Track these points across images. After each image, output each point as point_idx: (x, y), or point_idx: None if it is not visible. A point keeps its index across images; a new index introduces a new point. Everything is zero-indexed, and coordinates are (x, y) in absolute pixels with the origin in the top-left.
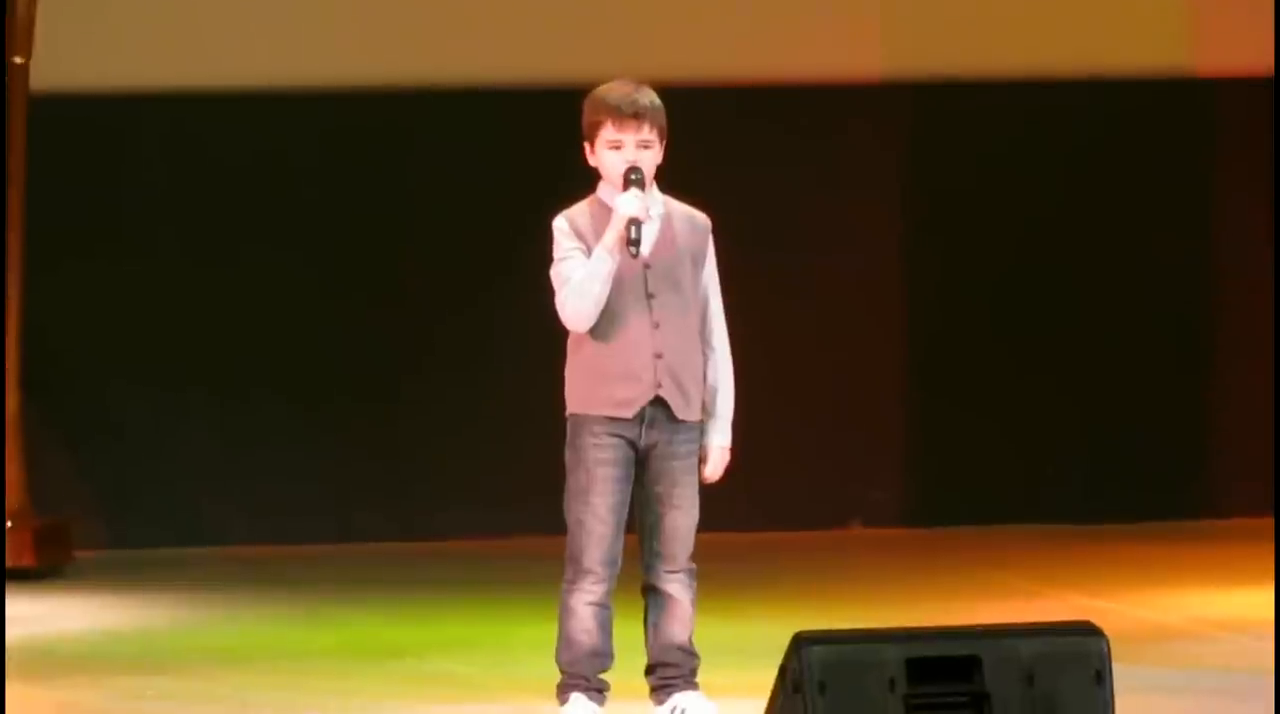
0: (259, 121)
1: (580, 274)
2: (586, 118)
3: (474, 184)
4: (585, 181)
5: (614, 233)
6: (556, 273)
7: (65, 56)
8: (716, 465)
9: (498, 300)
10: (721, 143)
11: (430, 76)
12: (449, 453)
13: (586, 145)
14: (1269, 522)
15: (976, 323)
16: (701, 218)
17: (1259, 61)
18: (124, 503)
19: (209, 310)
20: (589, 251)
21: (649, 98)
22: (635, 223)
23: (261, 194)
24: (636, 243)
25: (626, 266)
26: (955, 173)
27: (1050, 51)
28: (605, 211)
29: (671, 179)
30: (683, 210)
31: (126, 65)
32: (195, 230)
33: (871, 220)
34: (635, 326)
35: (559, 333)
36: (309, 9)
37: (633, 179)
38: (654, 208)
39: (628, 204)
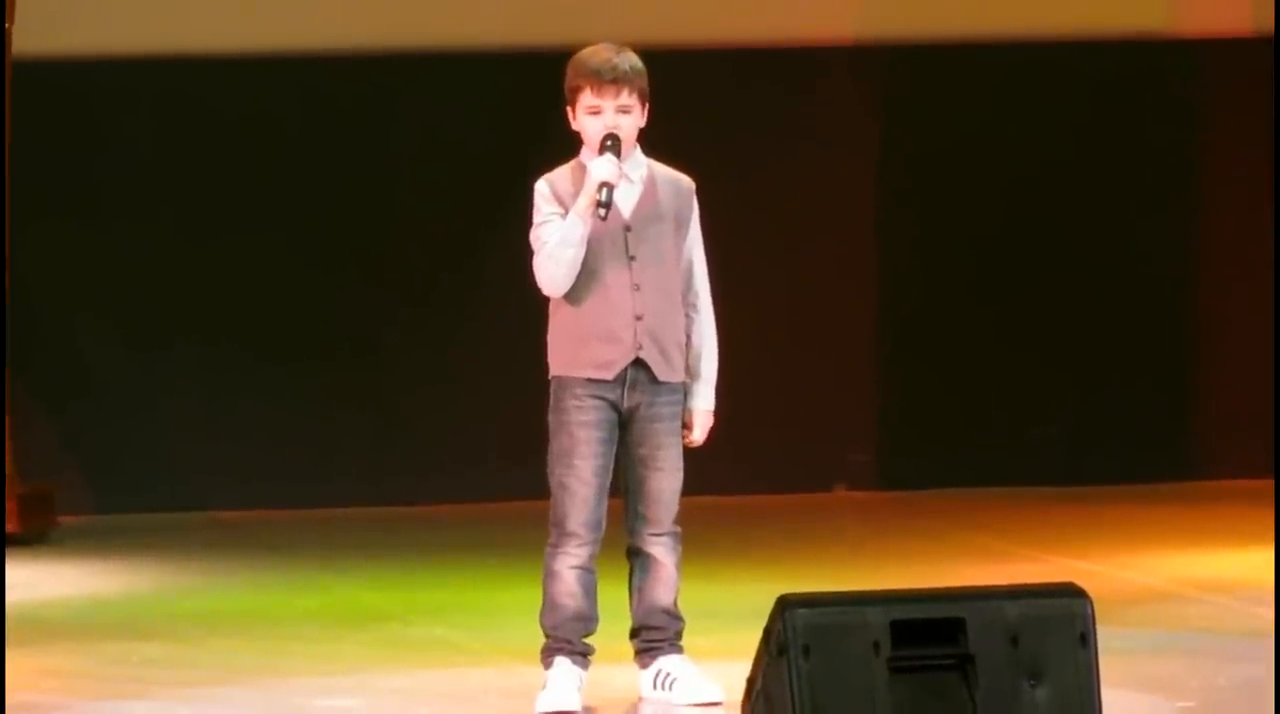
0: (244, 85)
1: (554, 239)
2: (568, 82)
3: (460, 147)
4: (570, 145)
5: (586, 197)
6: (535, 236)
7: (49, 21)
8: (701, 429)
9: (484, 264)
10: (703, 105)
11: (416, 40)
12: (433, 418)
13: (569, 109)
14: (1253, 483)
15: (958, 285)
16: (685, 181)
17: (1240, 22)
18: (108, 468)
19: (193, 275)
20: (567, 215)
21: (629, 62)
22: (607, 186)
23: (246, 158)
24: (606, 206)
25: (609, 228)
26: (934, 135)
27: (1030, 12)
28: (586, 175)
29: (653, 141)
30: (666, 173)
31: (111, 30)
32: (179, 196)
33: (850, 183)
34: (615, 288)
35: (542, 296)
36: None
37: (608, 145)
38: (636, 171)
39: (600, 169)
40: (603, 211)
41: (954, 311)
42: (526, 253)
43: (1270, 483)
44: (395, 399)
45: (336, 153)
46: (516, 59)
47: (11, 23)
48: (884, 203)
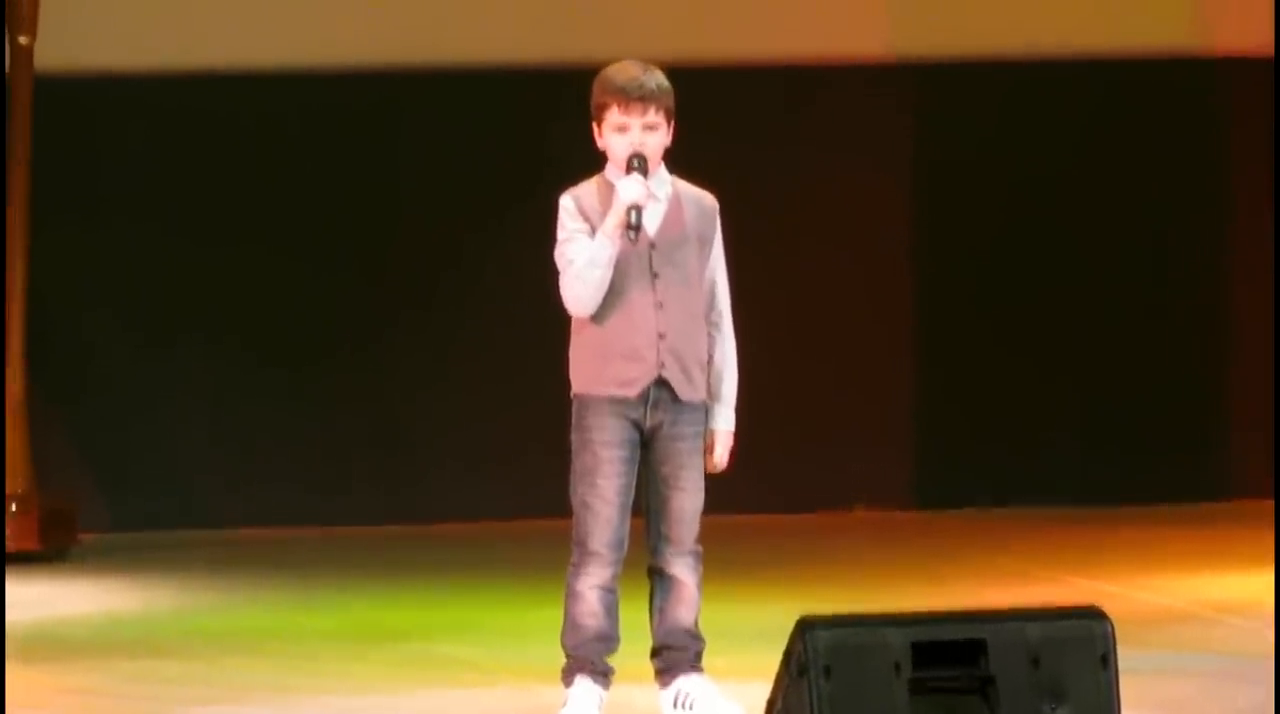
0: (251, 99)
1: (582, 259)
2: (594, 99)
3: (465, 165)
4: (580, 162)
5: (614, 218)
6: (560, 254)
7: (67, 37)
8: (722, 451)
9: (498, 277)
10: (728, 123)
11: (419, 56)
12: (450, 435)
13: (594, 126)
14: (1273, 504)
15: (978, 303)
16: (709, 199)
17: (1265, 40)
18: (126, 485)
19: (210, 291)
20: (594, 232)
21: (656, 80)
22: (635, 208)
23: (257, 174)
24: (636, 228)
25: (633, 247)
26: (958, 153)
27: (1057, 30)
28: (612, 192)
29: (679, 159)
30: (690, 191)
31: (121, 46)
32: (197, 212)
33: (873, 202)
34: (639, 306)
35: (560, 310)
36: None
37: (635, 164)
38: (661, 189)
39: (628, 189)
40: (632, 234)
41: (974, 330)
42: (542, 265)
43: None
44: (412, 417)
45: (344, 168)
46: (523, 77)
47: (33, 38)
48: (910, 219)
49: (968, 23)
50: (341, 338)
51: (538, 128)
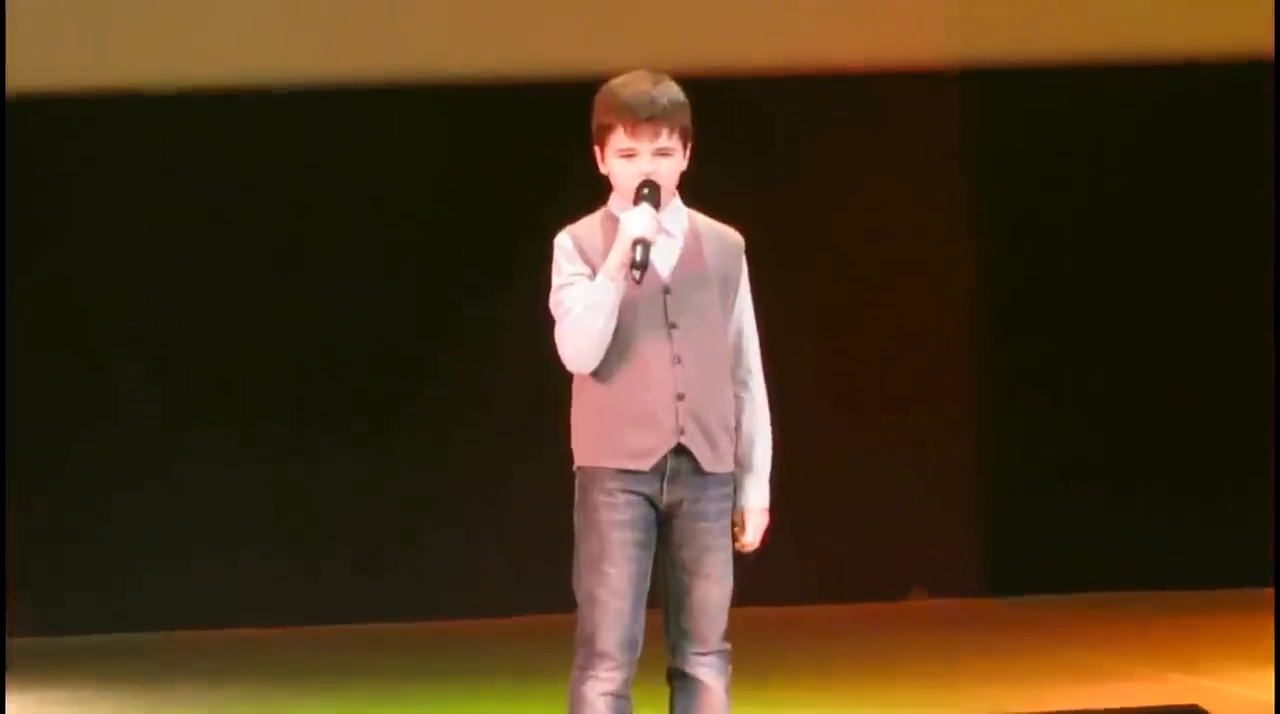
0: (219, 126)
1: (580, 306)
2: (596, 119)
3: (463, 190)
4: (585, 189)
5: (618, 255)
6: (556, 302)
7: (26, 57)
8: (755, 531)
9: (487, 344)
10: (754, 143)
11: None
12: (434, 523)
13: (596, 150)
14: None
15: (1052, 368)
16: (733, 235)
17: None
18: (59, 582)
19: (154, 362)
20: (595, 277)
21: (669, 95)
22: (642, 243)
23: (231, 213)
24: (641, 267)
25: (644, 292)
26: (1026, 190)
27: (1125, 34)
28: (618, 229)
29: (697, 189)
30: (711, 227)
31: (95, 65)
32: (139, 294)
33: (930, 238)
34: (653, 361)
35: (563, 371)
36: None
37: (645, 194)
38: (676, 223)
39: (634, 222)
40: (637, 273)
41: (1048, 398)
42: (545, 319)
43: None
44: (392, 503)
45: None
46: (519, 91)
47: None
48: (969, 264)
49: (1037, 25)
50: (316, 415)
51: (534, 150)
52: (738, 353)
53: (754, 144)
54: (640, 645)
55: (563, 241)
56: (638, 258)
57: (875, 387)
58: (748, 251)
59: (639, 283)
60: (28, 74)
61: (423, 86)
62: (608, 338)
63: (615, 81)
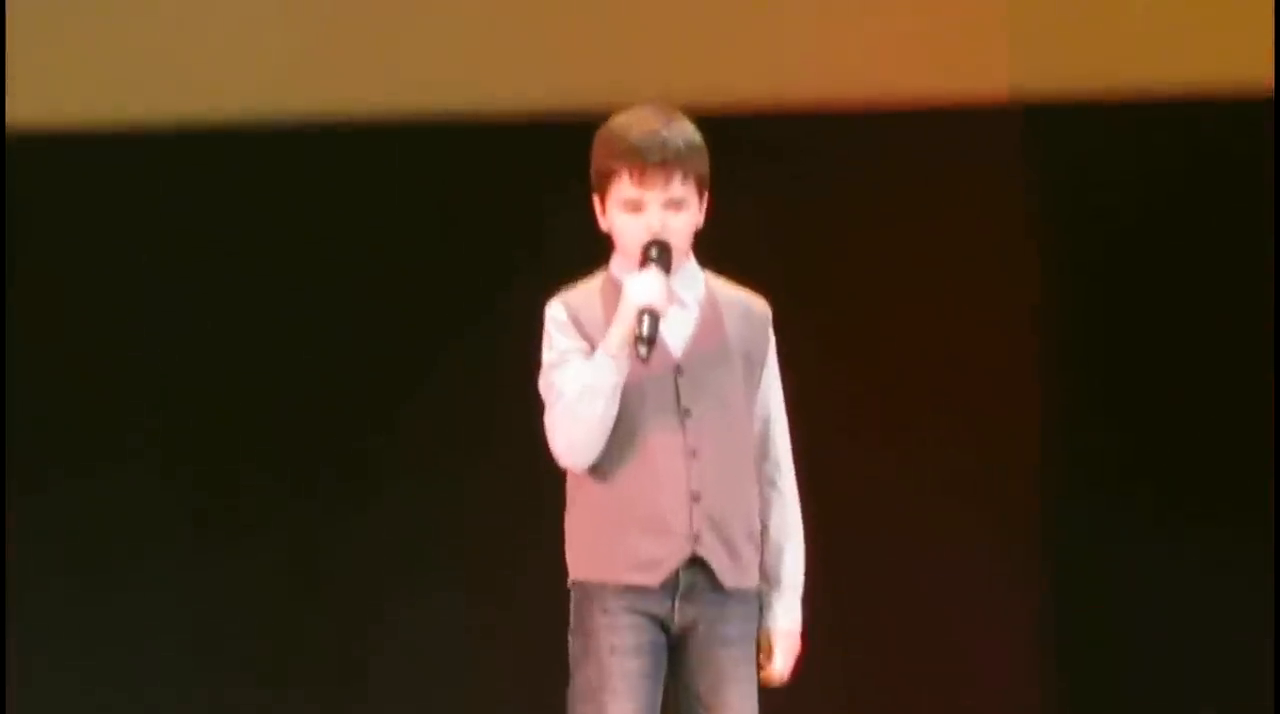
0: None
1: (574, 389)
2: (595, 163)
3: (459, 228)
4: (580, 242)
5: (620, 328)
6: (546, 384)
7: (24, 94)
8: (784, 658)
9: (469, 433)
10: (778, 196)
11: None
12: (395, 653)
13: (595, 200)
14: None
15: (1140, 470)
16: (759, 304)
17: None
18: None
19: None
20: (594, 353)
21: (683, 135)
22: (650, 314)
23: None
24: (649, 342)
25: (652, 372)
26: (1100, 261)
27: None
28: (619, 294)
29: (716, 249)
30: (732, 294)
31: (94, 102)
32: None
33: (989, 324)
34: (663, 456)
35: (551, 463)
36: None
37: (654, 256)
38: (690, 290)
39: (640, 288)
40: (644, 350)
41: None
42: (535, 403)
43: None
44: (342, 634)
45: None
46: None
47: None
48: (1036, 349)
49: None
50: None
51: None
52: (763, 444)
53: (784, 194)
54: None
55: (554, 312)
56: (644, 331)
57: (931, 488)
58: (776, 323)
59: (646, 361)
60: (26, 110)
61: (426, 122)
62: (608, 427)
63: (618, 119)
